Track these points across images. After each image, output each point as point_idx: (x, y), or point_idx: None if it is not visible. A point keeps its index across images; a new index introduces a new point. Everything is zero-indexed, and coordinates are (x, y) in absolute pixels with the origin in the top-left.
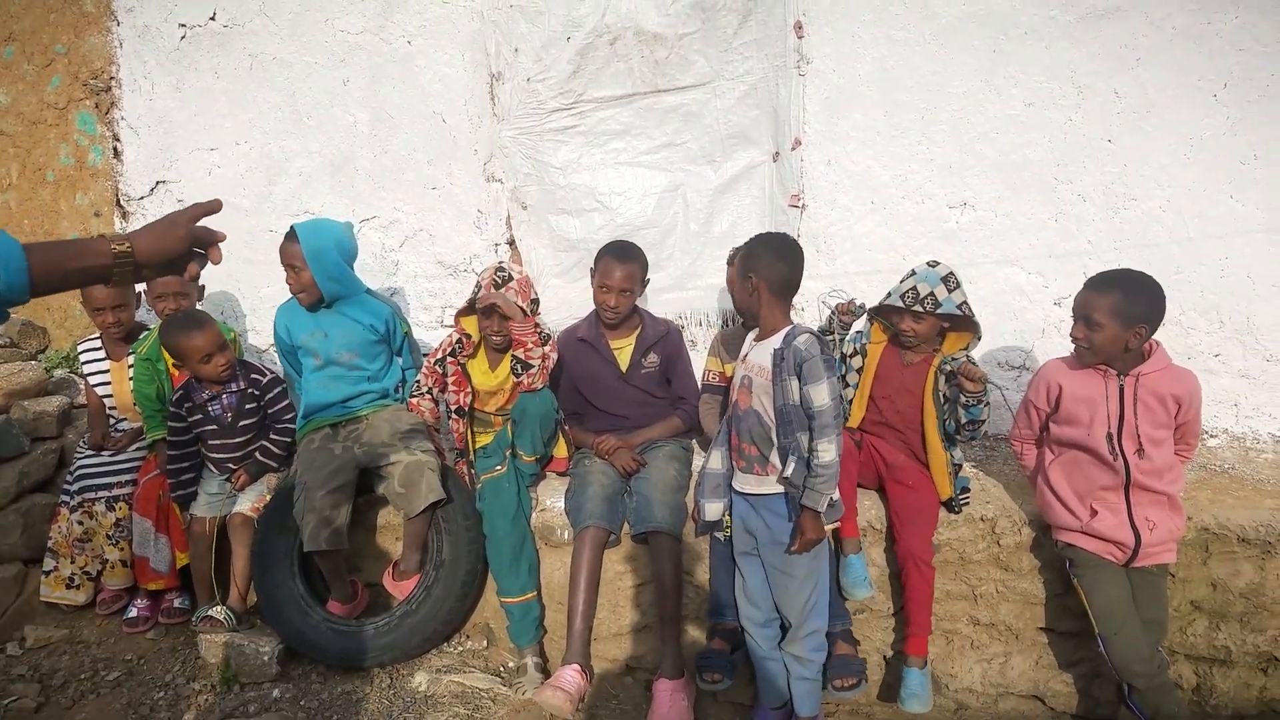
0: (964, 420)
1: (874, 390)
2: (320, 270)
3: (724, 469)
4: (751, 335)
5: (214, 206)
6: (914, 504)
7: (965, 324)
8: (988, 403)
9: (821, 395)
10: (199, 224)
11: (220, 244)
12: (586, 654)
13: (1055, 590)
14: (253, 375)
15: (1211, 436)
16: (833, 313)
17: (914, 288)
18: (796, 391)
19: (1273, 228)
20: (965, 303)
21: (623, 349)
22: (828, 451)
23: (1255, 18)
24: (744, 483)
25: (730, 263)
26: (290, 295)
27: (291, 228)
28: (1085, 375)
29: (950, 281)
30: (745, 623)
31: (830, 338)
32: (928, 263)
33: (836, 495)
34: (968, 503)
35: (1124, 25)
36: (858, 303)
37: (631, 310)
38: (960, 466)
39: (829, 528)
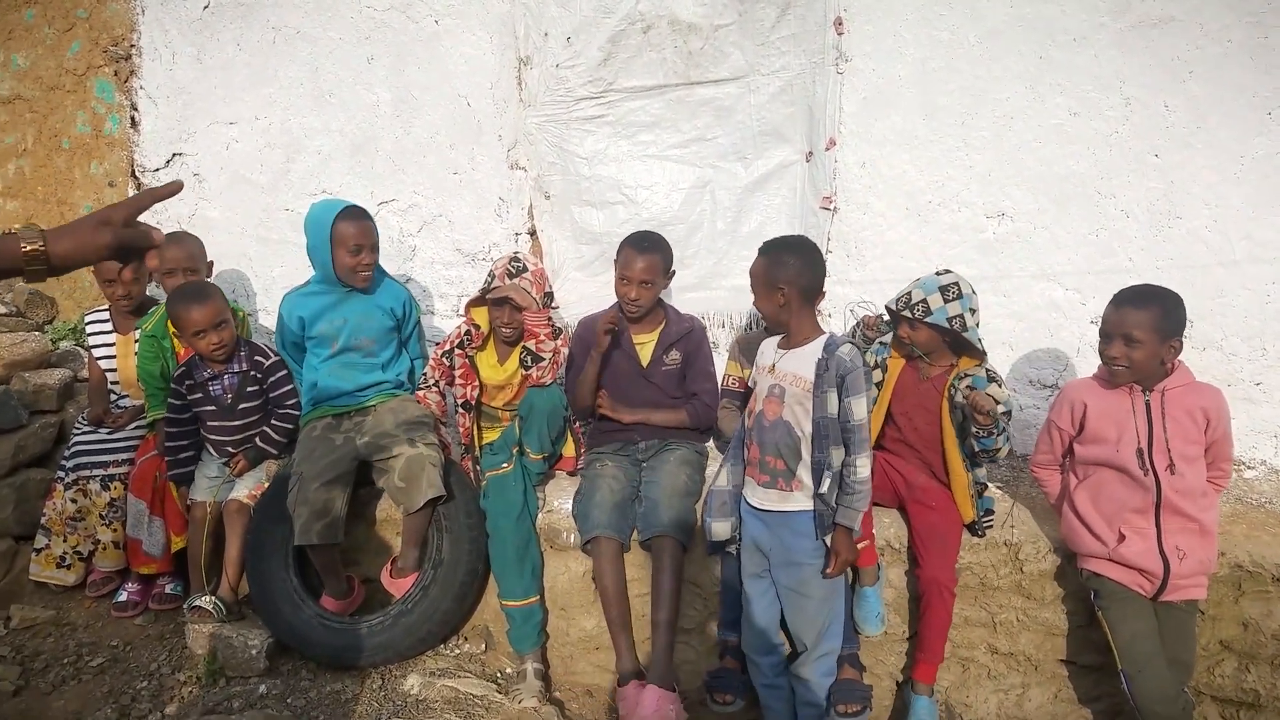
0: (976, 449)
1: (893, 406)
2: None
3: (730, 486)
4: (774, 342)
5: (174, 188)
6: (937, 526)
7: (959, 341)
8: (1003, 432)
9: (861, 409)
10: (140, 221)
11: (158, 247)
12: (637, 666)
13: (1078, 621)
14: (256, 357)
15: (1249, 468)
16: (858, 324)
17: (909, 293)
18: (835, 404)
19: None
20: (960, 317)
21: (645, 344)
22: (864, 467)
23: None
24: (764, 499)
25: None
26: (302, 284)
27: (357, 206)
28: (1111, 393)
29: (949, 292)
30: (749, 650)
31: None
32: (937, 270)
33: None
34: (991, 526)
35: (1177, 36)
36: (886, 320)
37: (655, 304)
38: (984, 488)
39: (861, 547)
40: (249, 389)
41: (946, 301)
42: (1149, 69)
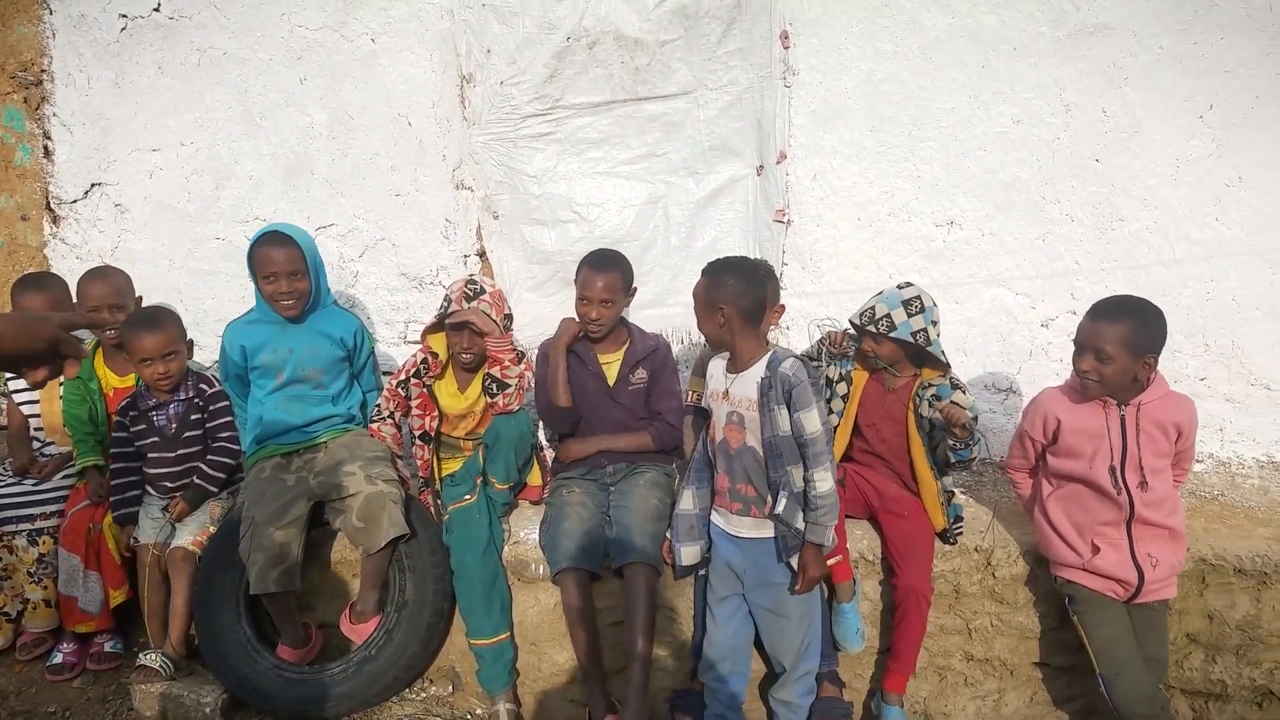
0: (952, 460)
1: (859, 419)
2: (319, 275)
3: (696, 509)
4: (721, 367)
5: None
6: (910, 534)
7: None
8: (979, 440)
9: (813, 421)
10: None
11: (81, 361)
12: (610, 702)
13: (1050, 624)
14: (201, 385)
15: (1198, 462)
16: (822, 340)
17: (872, 308)
18: (786, 420)
19: (1258, 251)
20: (924, 330)
21: (611, 363)
22: (825, 480)
23: (1240, 40)
24: (738, 527)
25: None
26: (245, 312)
27: (276, 230)
28: (1085, 407)
29: (912, 306)
30: (707, 676)
31: (816, 364)
32: (898, 284)
33: (829, 543)
34: (962, 532)
35: (1112, 44)
36: (851, 334)
37: (618, 323)
38: (952, 495)
39: (831, 562)
40: (193, 417)
41: (910, 316)
42: (1087, 76)
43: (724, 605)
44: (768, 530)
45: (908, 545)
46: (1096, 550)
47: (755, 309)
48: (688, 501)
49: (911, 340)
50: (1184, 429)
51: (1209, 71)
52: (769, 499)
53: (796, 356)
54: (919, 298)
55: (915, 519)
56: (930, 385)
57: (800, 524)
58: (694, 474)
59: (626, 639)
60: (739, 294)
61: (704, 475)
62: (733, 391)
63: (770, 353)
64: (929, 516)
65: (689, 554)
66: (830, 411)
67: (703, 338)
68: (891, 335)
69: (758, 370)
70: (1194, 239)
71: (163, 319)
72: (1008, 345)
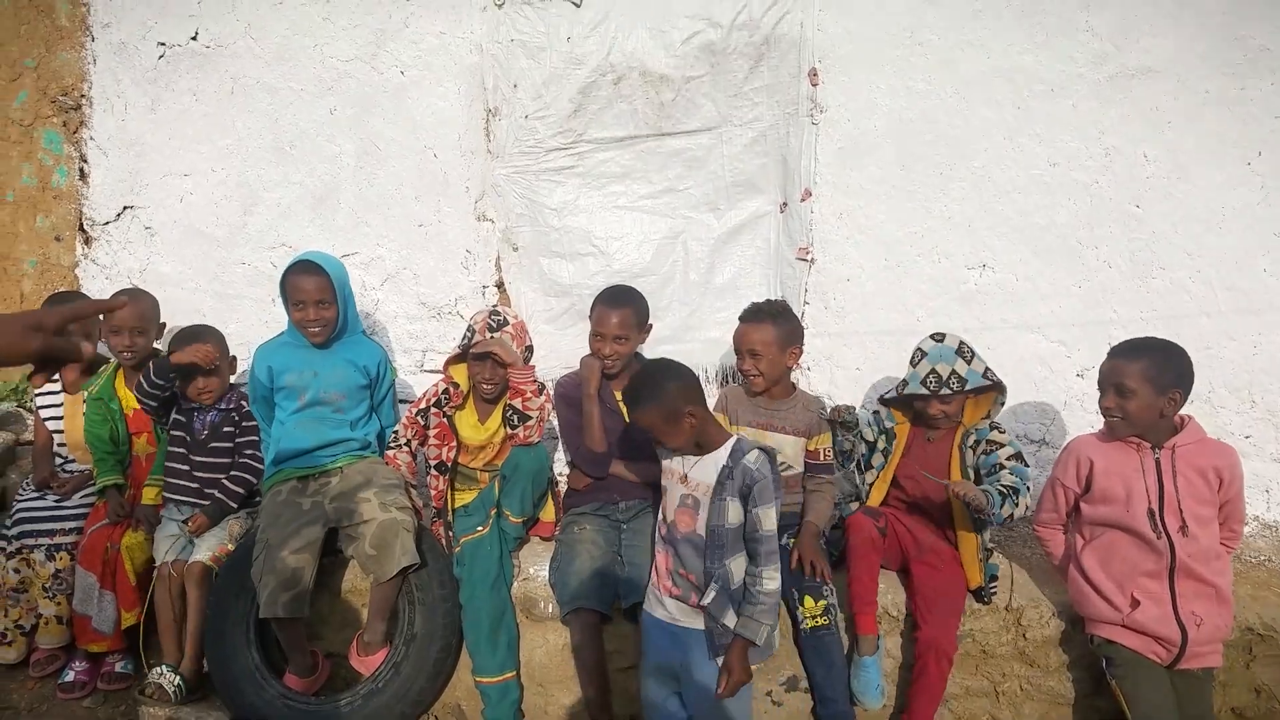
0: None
1: (898, 470)
2: (345, 304)
3: None
4: (675, 456)
5: (117, 304)
6: (941, 588)
7: (989, 386)
8: (1002, 504)
9: (770, 520)
10: (72, 329)
11: (84, 361)
12: None
13: (1084, 689)
14: (241, 401)
15: (1244, 524)
16: (831, 420)
17: (934, 370)
18: (737, 514)
19: None
20: (988, 369)
21: None
22: (773, 579)
23: None
24: (673, 613)
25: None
26: (276, 335)
27: (308, 260)
28: (1117, 449)
29: (965, 352)
30: None
31: (848, 440)
32: (933, 336)
33: (764, 641)
34: (996, 592)
35: (1156, 87)
36: (848, 409)
37: (633, 358)
38: (991, 552)
39: (754, 667)
40: (225, 429)
41: (969, 362)
42: (1128, 119)
43: (666, 706)
44: (700, 622)
45: (936, 597)
46: (1136, 604)
47: (702, 397)
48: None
49: (988, 382)
50: (1225, 475)
51: (1257, 117)
52: (701, 596)
53: (761, 449)
54: (963, 342)
55: (949, 571)
56: (972, 432)
57: (729, 620)
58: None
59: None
60: (689, 393)
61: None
62: (691, 475)
63: (735, 440)
64: (964, 571)
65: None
66: (869, 466)
67: (716, 375)
68: (965, 390)
69: (720, 456)
70: (1240, 289)
71: (201, 334)
72: (1041, 394)
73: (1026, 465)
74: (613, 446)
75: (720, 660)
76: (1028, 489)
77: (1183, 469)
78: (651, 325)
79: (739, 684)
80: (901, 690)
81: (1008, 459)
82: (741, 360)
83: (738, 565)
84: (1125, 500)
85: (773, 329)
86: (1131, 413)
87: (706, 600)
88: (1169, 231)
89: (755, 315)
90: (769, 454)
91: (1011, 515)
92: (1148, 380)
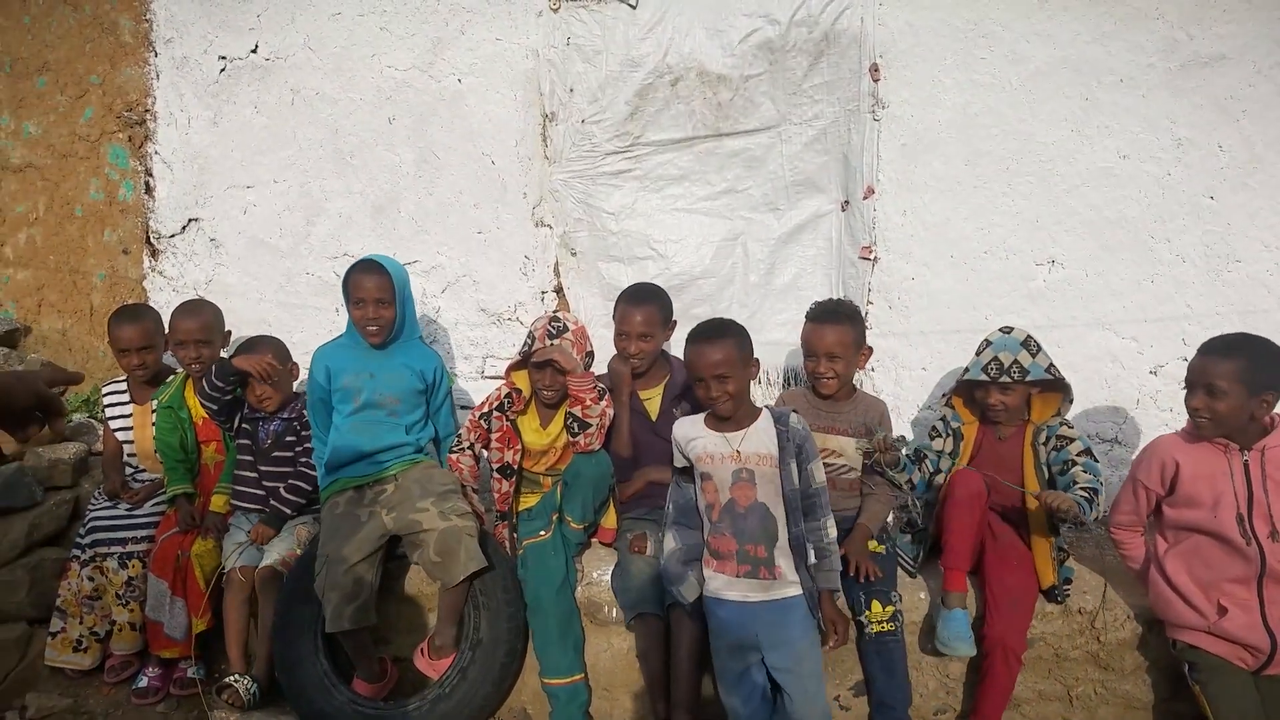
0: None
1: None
2: (404, 306)
3: (681, 545)
4: (700, 429)
5: (76, 378)
6: (1013, 587)
7: (1053, 385)
8: (1090, 511)
9: (821, 472)
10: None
11: (64, 416)
12: None
13: (1162, 694)
14: (303, 409)
15: None
16: (872, 452)
17: (996, 358)
18: (797, 475)
19: None
20: (1052, 364)
21: (651, 398)
22: (832, 528)
23: None
24: (745, 591)
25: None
26: (334, 338)
27: (372, 259)
28: (1203, 451)
29: (1031, 345)
30: None
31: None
32: (1000, 329)
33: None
34: (1069, 594)
35: (1229, 75)
36: (894, 440)
37: (658, 356)
38: (1067, 555)
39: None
40: (288, 438)
41: (1034, 355)
42: (1200, 109)
43: (742, 683)
44: (776, 593)
45: (1007, 596)
46: (1224, 611)
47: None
48: (671, 541)
49: (1050, 376)
50: None
51: None
52: (775, 562)
53: (792, 410)
54: (1030, 336)
55: (1022, 570)
56: (1043, 429)
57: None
58: (680, 518)
59: (672, 685)
60: (751, 351)
61: (690, 519)
62: (743, 449)
63: (768, 408)
64: (1037, 572)
65: (689, 590)
66: (939, 471)
67: (779, 378)
68: (1026, 380)
69: (766, 425)
70: None
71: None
72: (1113, 392)
73: (1096, 460)
74: (640, 449)
75: (819, 618)
76: (1102, 484)
77: (1273, 472)
78: (675, 322)
79: (847, 628)
80: (969, 693)
81: (1079, 454)
82: (817, 362)
83: (810, 525)
84: (1213, 505)
85: (850, 330)
86: (1221, 414)
87: (814, 561)
88: (1245, 223)
89: (833, 316)
90: (798, 413)
91: (1097, 518)
92: (1240, 381)
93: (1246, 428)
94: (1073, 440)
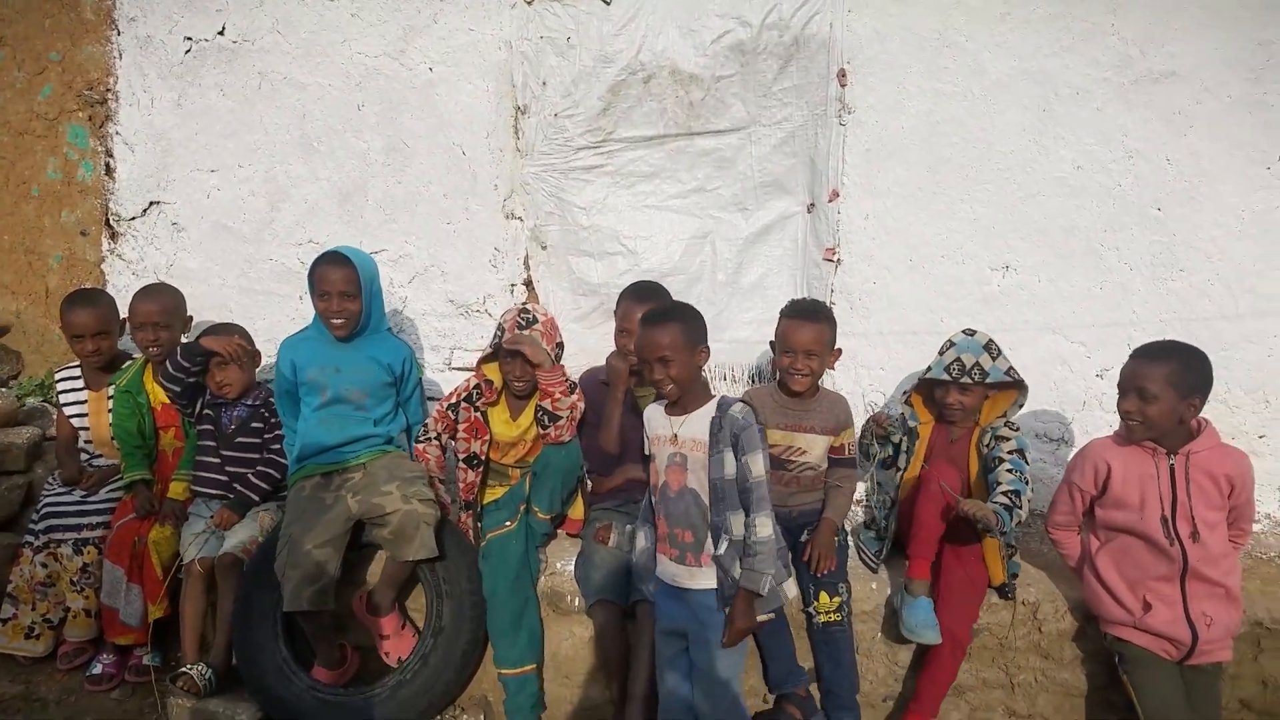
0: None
1: (923, 470)
2: (370, 299)
3: (650, 544)
4: (658, 412)
5: None
6: (963, 580)
7: (1008, 387)
8: (1010, 519)
9: (758, 466)
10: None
11: None
12: None
13: (1098, 682)
14: (270, 398)
15: (1254, 522)
16: (868, 424)
17: (958, 359)
18: (731, 464)
19: None
20: (1011, 368)
21: (645, 396)
22: (765, 526)
23: None
24: (675, 575)
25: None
26: (301, 329)
27: (338, 251)
28: (1134, 454)
29: (992, 349)
30: None
31: (869, 444)
32: (964, 331)
33: (772, 583)
34: (1015, 588)
35: (1179, 91)
36: (888, 415)
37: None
38: (1015, 549)
39: (762, 618)
40: (253, 424)
41: (994, 358)
42: (1151, 123)
43: (672, 669)
44: (704, 580)
45: (957, 587)
46: (1148, 607)
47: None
48: (641, 540)
49: (1007, 379)
50: (1237, 483)
51: (1279, 122)
52: (704, 548)
53: (744, 401)
54: (992, 340)
55: (973, 566)
56: (988, 430)
57: (737, 572)
58: (642, 516)
59: (630, 677)
60: (703, 336)
61: (649, 517)
62: (680, 434)
63: (720, 396)
64: (987, 568)
65: (655, 588)
66: (896, 468)
67: (745, 375)
68: (986, 382)
69: (708, 411)
70: (1259, 293)
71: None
72: (1061, 394)
73: (1027, 461)
74: (628, 447)
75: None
76: (1027, 483)
77: (1195, 475)
78: None
79: (740, 633)
80: (913, 679)
81: (1009, 453)
82: (794, 358)
83: (737, 518)
84: (1139, 507)
85: (827, 329)
86: (1151, 417)
87: (719, 551)
88: (1190, 234)
89: (813, 315)
90: (752, 407)
91: (1019, 522)
92: (1170, 385)
93: (1175, 431)
94: (1008, 439)
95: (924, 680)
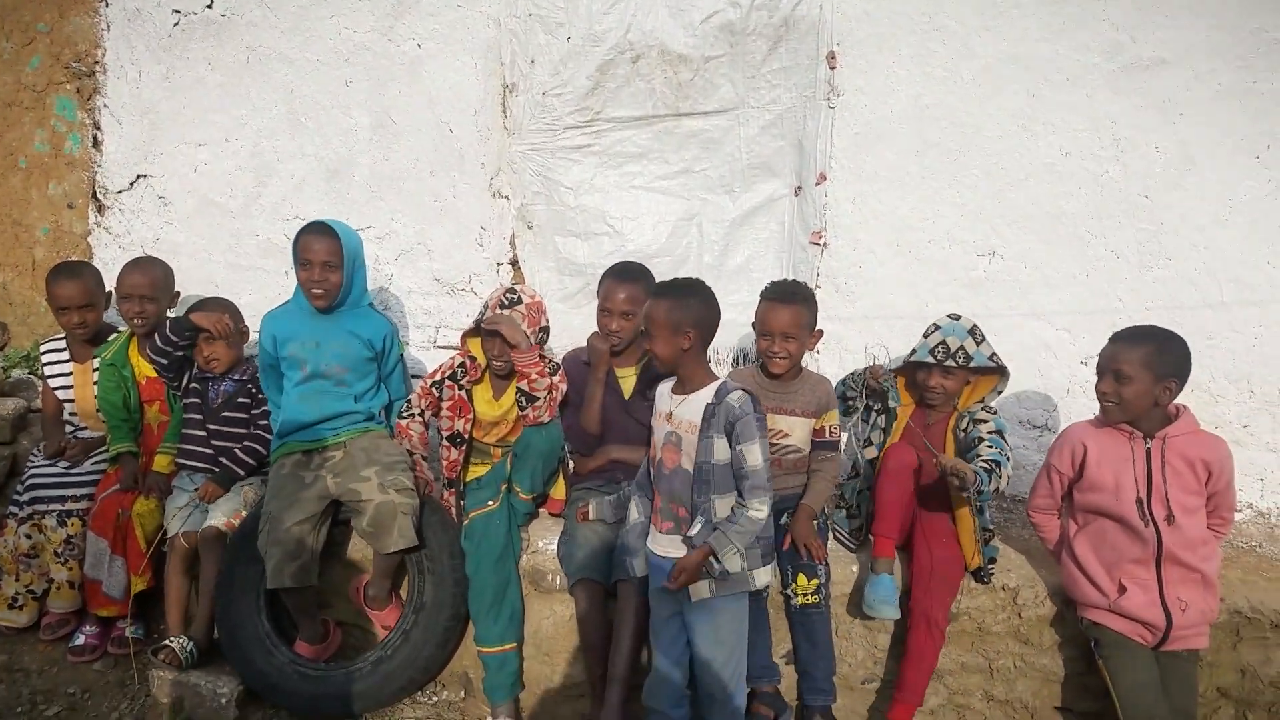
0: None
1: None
2: (353, 272)
3: (643, 518)
4: (667, 389)
5: None
6: (939, 562)
7: (990, 373)
8: (989, 481)
9: (755, 455)
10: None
11: None
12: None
13: (1076, 668)
14: (256, 372)
15: (1236, 511)
16: (863, 372)
17: (943, 342)
18: (724, 450)
19: None
20: (994, 354)
21: (627, 377)
22: (759, 510)
23: None
24: (667, 547)
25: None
26: (283, 302)
27: (323, 222)
28: (1110, 437)
29: (977, 334)
30: (653, 701)
31: (851, 396)
32: (949, 316)
33: (735, 569)
34: (994, 574)
35: (1168, 78)
36: (886, 369)
37: (637, 336)
38: (991, 534)
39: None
40: (240, 399)
41: (979, 343)
42: (1140, 110)
43: (666, 628)
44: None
45: (933, 569)
46: (1123, 590)
47: (713, 332)
48: (635, 512)
49: (990, 364)
50: (1214, 468)
51: (1268, 110)
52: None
53: (744, 389)
54: (976, 325)
55: (948, 548)
56: (964, 415)
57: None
58: (637, 488)
59: (612, 655)
60: (703, 318)
61: (646, 490)
62: (676, 413)
63: (720, 381)
64: (963, 551)
65: (640, 565)
66: (870, 443)
67: (729, 358)
68: (970, 366)
69: (705, 395)
70: (1244, 282)
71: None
72: (1046, 381)
73: (1006, 442)
74: (609, 427)
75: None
76: (1008, 459)
77: (1172, 459)
78: None
79: (685, 582)
80: (896, 663)
81: (988, 433)
82: (771, 341)
83: (724, 502)
84: (1114, 489)
85: (806, 312)
86: (1127, 398)
87: (693, 533)
88: (1176, 223)
89: (790, 297)
90: (752, 396)
91: (998, 489)
92: (1146, 367)
93: (1150, 414)
94: (986, 421)
95: (906, 666)
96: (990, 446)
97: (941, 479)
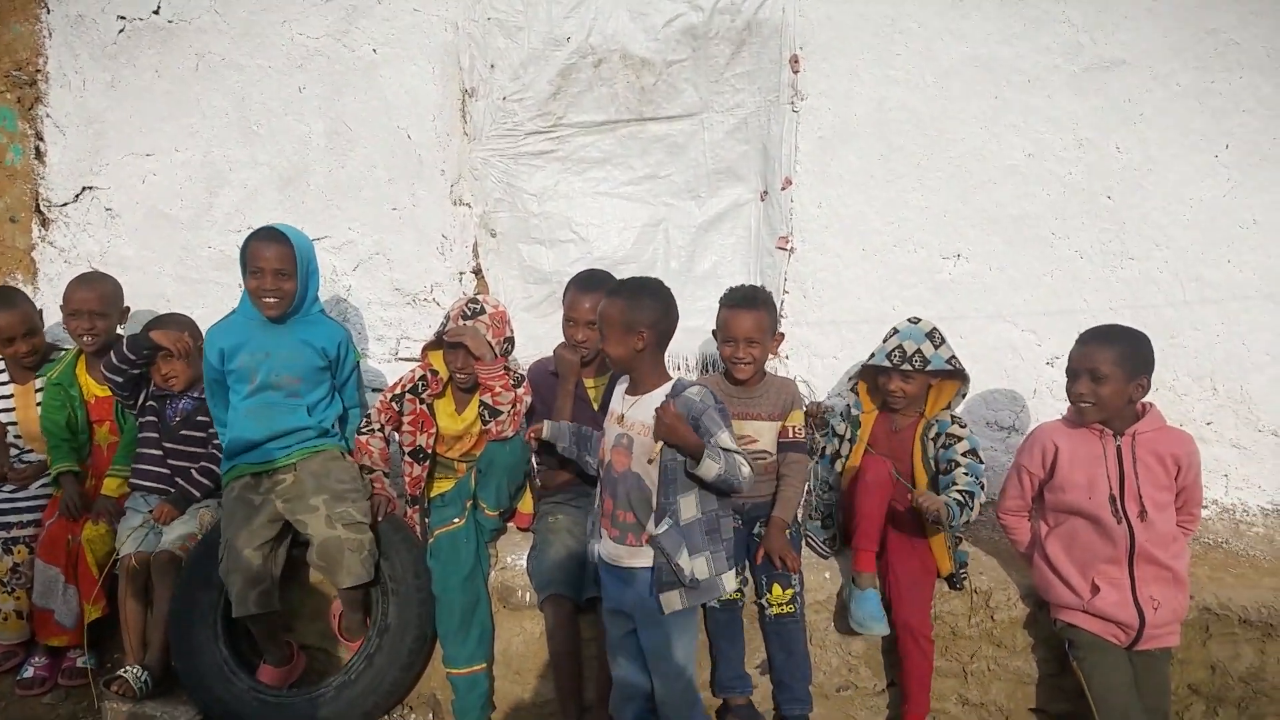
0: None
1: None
2: (306, 278)
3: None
4: (621, 390)
5: None
6: (913, 572)
7: (952, 376)
8: (961, 515)
9: (726, 441)
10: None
11: None
12: None
13: (1049, 669)
14: None
15: (1202, 507)
16: (808, 415)
17: (900, 346)
18: None
19: (1270, 295)
20: (954, 356)
21: (595, 387)
22: (746, 467)
23: (1258, 79)
24: (615, 554)
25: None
26: (227, 314)
27: (273, 227)
28: (1081, 435)
29: (935, 337)
30: (621, 714)
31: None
32: (909, 319)
33: (704, 575)
34: (966, 578)
35: (1128, 79)
36: (825, 404)
37: None
38: (960, 540)
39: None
40: (198, 418)
41: (937, 346)
42: (1101, 111)
43: (623, 648)
44: (644, 559)
45: (909, 581)
46: (1096, 590)
47: (669, 333)
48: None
49: (950, 368)
50: (1183, 463)
51: (1226, 110)
52: (646, 528)
53: (701, 384)
54: (936, 328)
55: (920, 557)
56: (934, 424)
57: (683, 560)
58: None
59: (587, 680)
60: (659, 318)
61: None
62: (628, 415)
63: (674, 381)
64: (935, 558)
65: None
66: (839, 455)
67: (695, 363)
68: (927, 370)
69: (658, 395)
70: (1205, 281)
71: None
72: (1012, 382)
73: (981, 462)
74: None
75: (660, 597)
76: (982, 487)
77: (1142, 455)
78: None
79: (665, 434)
80: (886, 671)
81: (964, 455)
82: (735, 347)
83: (687, 502)
84: (1087, 487)
85: (767, 316)
86: (1104, 398)
87: (659, 530)
88: (1138, 222)
89: (750, 302)
90: (710, 390)
91: (968, 521)
92: (1120, 365)
93: (1123, 412)
94: (961, 439)
95: (904, 678)
96: (966, 474)
97: (902, 491)
